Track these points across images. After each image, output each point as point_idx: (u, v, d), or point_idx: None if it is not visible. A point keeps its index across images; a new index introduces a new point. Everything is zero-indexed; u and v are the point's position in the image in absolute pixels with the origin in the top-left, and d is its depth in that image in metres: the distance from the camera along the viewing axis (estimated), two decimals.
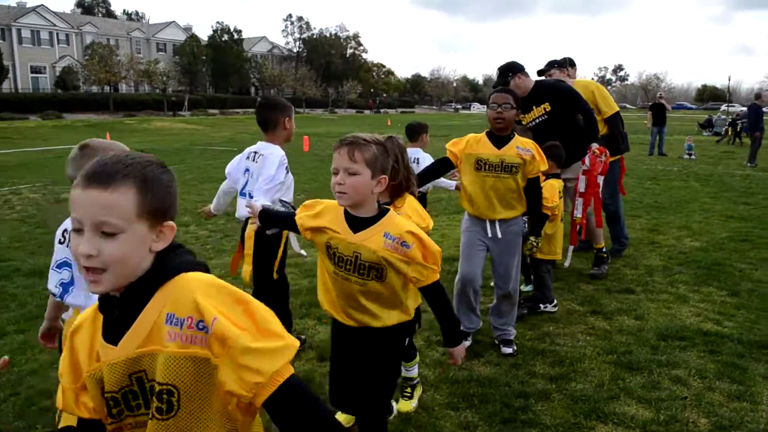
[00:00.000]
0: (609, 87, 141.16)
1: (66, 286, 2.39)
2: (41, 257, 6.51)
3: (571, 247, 5.63)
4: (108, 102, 51.82)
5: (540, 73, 6.23)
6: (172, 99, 54.37)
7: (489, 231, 3.98)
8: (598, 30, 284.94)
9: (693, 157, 18.09)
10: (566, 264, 5.61)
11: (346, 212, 2.35)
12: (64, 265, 2.42)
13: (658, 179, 13.30)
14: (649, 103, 20.65)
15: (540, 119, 5.32)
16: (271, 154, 3.77)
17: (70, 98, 51.99)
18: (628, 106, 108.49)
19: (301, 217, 2.48)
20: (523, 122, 5.39)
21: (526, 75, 5.28)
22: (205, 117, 50.30)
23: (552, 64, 6.17)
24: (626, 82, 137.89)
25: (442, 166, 4.12)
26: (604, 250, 6.01)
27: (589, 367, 3.92)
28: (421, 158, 5.41)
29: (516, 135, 3.90)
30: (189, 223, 8.41)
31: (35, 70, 64.47)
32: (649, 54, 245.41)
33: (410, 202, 2.89)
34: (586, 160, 5.40)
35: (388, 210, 2.37)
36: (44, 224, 8.06)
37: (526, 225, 4.19)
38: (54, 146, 24.19)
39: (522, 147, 3.84)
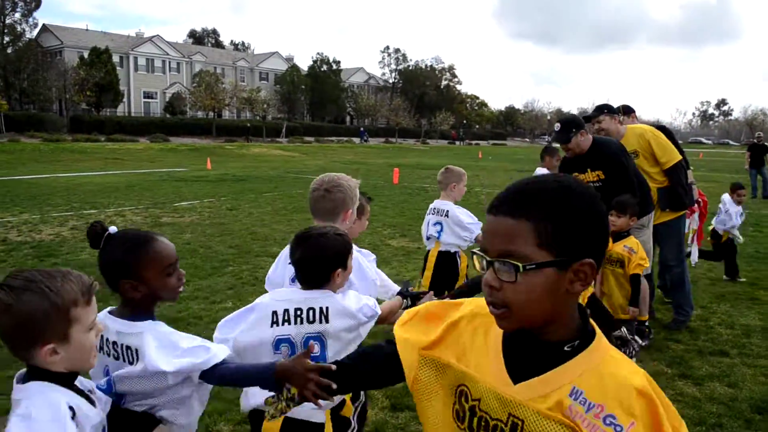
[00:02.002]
0: (711, 122, 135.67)
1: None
2: None
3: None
4: (211, 127, 54.42)
5: (587, 119, 5.78)
6: (247, 125, 56.70)
7: None
8: (701, 62, 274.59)
9: None
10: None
11: None
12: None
13: (761, 226, 12.52)
14: (752, 140, 19.49)
15: (593, 184, 4.97)
16: None
17: (177, 123, 55.03)
18: (731, 142, 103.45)
19: None
20: None
21: (587, 132, 5.00)
22: (301, 144, 51.87)
23: (601, 110, 5.63)
24: (730, 118, 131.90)
25: (377, 367, 1.51)
26: (646, 323, 5.26)
27: None
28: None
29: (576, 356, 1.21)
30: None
31: (147, 95, 68.73)
32: (756, 88, 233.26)
33: None
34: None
35: None
36: None
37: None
38: (158, 169, 25.62)
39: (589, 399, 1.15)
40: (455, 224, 4.79)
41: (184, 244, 9.17)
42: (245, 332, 2.23)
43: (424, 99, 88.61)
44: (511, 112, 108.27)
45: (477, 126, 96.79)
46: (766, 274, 8.06)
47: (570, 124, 4.97)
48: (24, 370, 1.58)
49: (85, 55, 55.53)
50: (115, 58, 59.63)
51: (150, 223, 10.96)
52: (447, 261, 4.89)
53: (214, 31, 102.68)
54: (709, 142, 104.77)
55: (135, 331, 1.87)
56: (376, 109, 77.82)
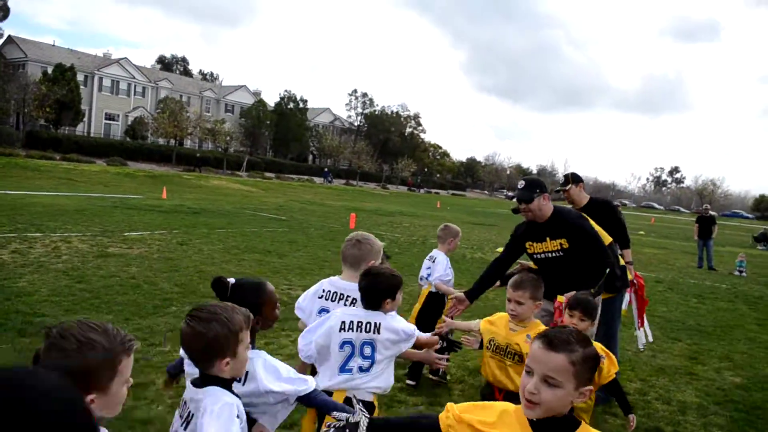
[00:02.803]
0: (664, 188, 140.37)
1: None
2: (75, 315, 6.62)
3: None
4: (171, 155, 53.78)
5: (560, 188, 6.03)
6: (197, 155, 56.30)
7: None
8: (657, 130, 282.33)
9: (744, 274, 17.58)
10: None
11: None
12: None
13: (704, 297, 12.80)
14: (702, 209, 20.31)
15: (553, 254, 4.69)
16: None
17: (137, 147, 54.32)
18: (682, 209, 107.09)
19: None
20: (529, 250, 4.81)
21: (549, 198, 4.73)
22: (261, 180, 51.61)
23: (575, 179, 5.95)
24: (682, 185, 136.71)
25: None
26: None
27: None
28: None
29: None
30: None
31: (109, 117, 67.68)
32: (707, 158, 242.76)
33: None
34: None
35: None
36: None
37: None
38: (112, 194, 25.08)
39: None
40: (435, 265, 6.01)
41: (128, 278, 8.91)
42: (322, 335, 3.12)
43: (387, 144, 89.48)
44: (472, 164, 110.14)
45: (438, 175, 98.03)
46: (704, 349, 8.16)
47: (534, 184, 4.68)
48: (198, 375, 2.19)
49: (49, 70, 54.66)
50: (80, 77, 58.68)
51: (96, 253, 10.62)
52: (435, 300, 5.94)
53: (184, 59, 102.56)
54: (661, 207, 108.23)
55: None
56: (339, 150, 78.20)
